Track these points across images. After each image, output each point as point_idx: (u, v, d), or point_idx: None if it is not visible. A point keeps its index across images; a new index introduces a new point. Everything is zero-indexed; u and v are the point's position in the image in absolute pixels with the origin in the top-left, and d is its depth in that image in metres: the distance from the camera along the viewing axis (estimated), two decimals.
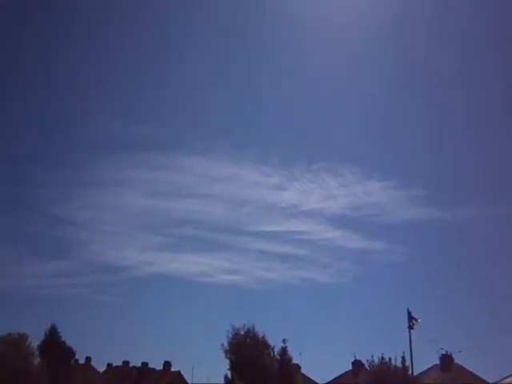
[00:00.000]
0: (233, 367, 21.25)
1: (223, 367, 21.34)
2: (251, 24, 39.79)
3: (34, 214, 35.97)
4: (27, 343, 20.87)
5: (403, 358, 17.81)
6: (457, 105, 39.30)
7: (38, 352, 21.31)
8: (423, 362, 20.22)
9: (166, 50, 40.51)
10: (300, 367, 23.67)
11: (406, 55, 37.57)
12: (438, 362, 21.29)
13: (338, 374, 23.28)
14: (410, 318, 16.32)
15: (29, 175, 36.53)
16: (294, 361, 21.85)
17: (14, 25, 38.76)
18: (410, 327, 16.18)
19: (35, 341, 21.35)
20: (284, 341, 21.11)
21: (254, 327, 21.65)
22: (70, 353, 22.66)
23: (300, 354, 22.82)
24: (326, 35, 38.60)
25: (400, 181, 36.81)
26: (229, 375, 21.20)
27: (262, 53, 39.47)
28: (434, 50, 37.38)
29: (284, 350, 20.91)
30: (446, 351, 21.21)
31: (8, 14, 36.31)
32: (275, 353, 20.91)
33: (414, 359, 16.67)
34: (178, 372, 28.20)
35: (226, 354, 21.14)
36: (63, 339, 22.56)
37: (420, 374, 19.47)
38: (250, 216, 37.73)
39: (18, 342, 20.57)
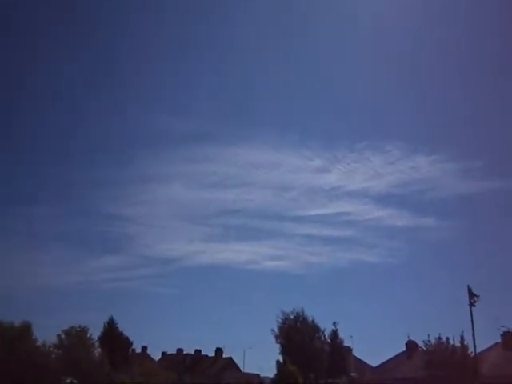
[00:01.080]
0: (284, 352, 21.80)
1: (274, 352, 22.43)
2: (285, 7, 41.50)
3: (90, 214, 39.13)
4: (88, 335, 21.87)
5: (462, 337, 17.51)
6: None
7: (98, 343, 22.41)
8: (484, 340, 19.75)
9: (201, 37, 42.96)
10: (351, 350, 23.58)
11: (450, 27, 39.73)
12: (499, 339, 20.41)
13: (391, 356, 23.22)
14: (471, 294, 16.51)
15: (81, 176, 39.73)
16: (345, 344, 22.61)
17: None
18: (472, 304, 16.41)
19: (96, 332, 22.73)
20: (334, 324, 21.94)
21: (303, 311, 22.32)
22: (128, 343, 23.64)
23: (351, 336, 23.05)
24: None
25: (450, 153, 36.72)
26: (280, 360, 21.42)
27: (298, 34, 39.90)
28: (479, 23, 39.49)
29: (335, 333, 21.78)
30: (508, 328, 20.27)
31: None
32: (326, 336, 22.20)
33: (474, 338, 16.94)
34: (230, 358, 28.91)
35: (276, 339, 22.21)
36: (121, 330, 23.58)
37: (480, 352, 18.34)
38: (294, 201, 38.67)
39: (80, 335, 21.49)
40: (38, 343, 21.02)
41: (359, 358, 24.61)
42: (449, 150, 38.20)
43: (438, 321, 28.12)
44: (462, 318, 16.77)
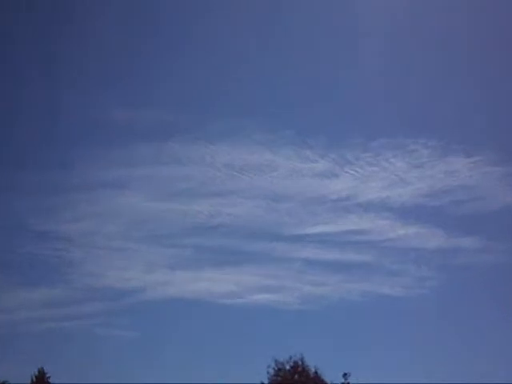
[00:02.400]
0: None
1: None
2: None
3: (13, 231, 31.62)
4: None
5: None
6: None
7: None
8: None
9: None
10: None
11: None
12: None
13: None
14: None
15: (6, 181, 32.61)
16: None
17: None
18: None
19: None
20: (345, 375, 19.34)
21: (303, 359, 19.63)
22: None
23: None
24: None
25: (496, 155, 31.20)
26: None
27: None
28: None
29: None
30: None
31: None
32: None
33: None
34: None
35: None
36: None
37: None
38: (291, 215, 32.14)
39: None
40: None
41: None
42: (494, 151, 32.14)
43: (484, 372, 22.42)
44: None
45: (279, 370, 19.72)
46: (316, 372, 19.69)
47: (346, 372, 19.53)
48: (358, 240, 31.05)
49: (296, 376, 19.60)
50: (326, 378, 19.66)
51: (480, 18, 31.68)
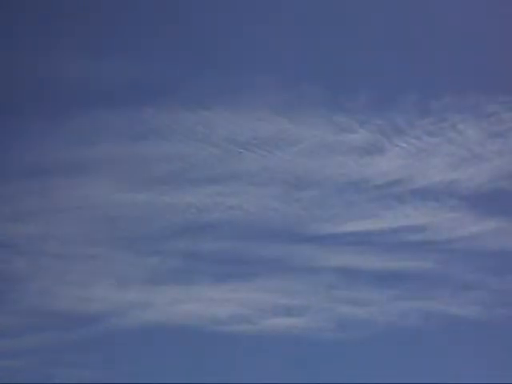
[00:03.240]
0: None
1: None
2: None
3: None
4: None
5: None
6: None
7: None
8: None
9: None
10: None
11: None
12: None
13: None
14: None
15: None
16: None
17: None
18: None
19: None
20: None
21: None
22: None
23: None
24: None
25: None
26: None
27: None
28: None
29: None
30: None
31: None
32: None
33: None
34: None
35: None
36: None
37: None
38: (317, 206, 26.34)
39: None
40: None
41: None
42: None
43: None
44: None
45: None
46: None
47: None
48: (414, 240, 24.31)
49: None
50: None
51: None
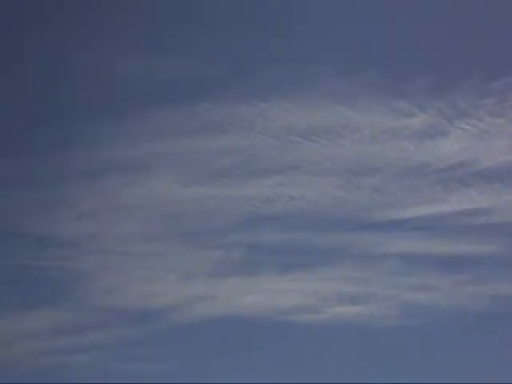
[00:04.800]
0: None
1: None
2: None
3: (3, 236, 25.61)
4: None
5: None
6: None
7: None
8: None
9: None
10: None
11: None
12: None
13: None
14: None
15: None
16: None
17: None
18: None
19: None
20: None
21: None
22: None
23: None
24: None
25: None
26: None
27: None
28: None
29: None
30: None
31: None
32: None
33: None
34: None
35: None
36: None
37: None
38: (378, 193, 26.02)
39: None
40: None
41: None
42: None
43: None
44: None
45: None
46: None
47: None
48: (479, 224, 23.89)
49: None
50: None
51: None
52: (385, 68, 24.87)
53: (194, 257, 23.08)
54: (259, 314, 22.23)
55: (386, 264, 21.92)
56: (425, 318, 20.66)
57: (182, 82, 24.47)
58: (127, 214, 24.15)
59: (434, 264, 22.20)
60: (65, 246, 22.90)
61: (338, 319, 21.17)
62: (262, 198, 23.95)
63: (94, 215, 23.58)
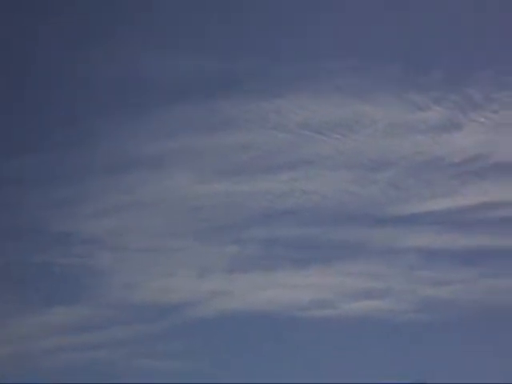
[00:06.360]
0: None
1: None
2: None
3: (24, 233, 24.99)
4: None
5: None
6: None
7: None
8: None
9: None
10: None
11: None
12: None
13: None
14: None
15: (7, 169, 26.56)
16: None
17: None
18: None
19: None
20: None
21: None
22: None
23: None
24: None
25: None
26: None
27: None
28: None
29: None
30: None
31: None
32: None
33: None
34: None
35: None
36: None
37: None
38: (396, 188, 24.99)
39: None
40: None
41: None
42: None
43: None
44: None
45: None
46: None
47: None
48: (497, 217, 23.01)
49: None
50: None
51: None
52: (399, 62, 24.15)
53: (212, 252, 22.66)
54: (276, 309, 21.67)
55: (403, 258, 21.24)
56: (444, 312, 19.91)
57: (198, 79, 24.14)
58: (145, 210, 23.73)
59: (451, 258, 21.42)
60: (84, 242, 22.54)
61: (356, 314, 20.60)
62: (278, 193, 23.41)
63: (113, 212, 23.26)
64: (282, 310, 21.03)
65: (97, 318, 21.02)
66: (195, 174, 23.60)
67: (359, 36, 24.08)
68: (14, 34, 25.59)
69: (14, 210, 23.57)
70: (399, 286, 20.80)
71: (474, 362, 18.29)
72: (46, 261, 22.15)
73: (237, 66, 24.34)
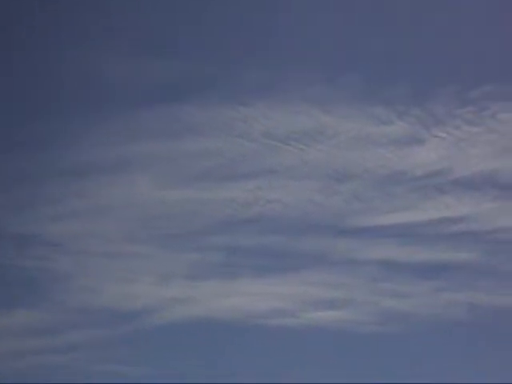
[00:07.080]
0: None
1: None
2: None
3: None
4: None
5: None
6: None
7: None
8: None
9: None
10: None
11: None
12: None
13: None
14: None
15: None
16: None
17: None
18: None
19: None
20: None
21: None
22: None
23: None
24: None
25: None
26: None
27: None
28: None
29: None
30: None
31: None
32: None
33: None
34: None
35: None
36: None
37: None
38: (356, 199, 25.14)
39: None
40: None
41: None
42: None
43: None
44: None
45: None
46: None
47: None
48: (456, 231, 23.30)
49: None
50: None
51: None
52: (364, 74, 24.03)
53: (173, 259, 22.27)
54: (237, 317, 21.40)
55: (364, 270, 21.13)
56: (403, 324, 19.82)
57: (162, 84, 23.73)
58: (106, 215, 23.23)
59: (412, 271, 21.38)
60: (43, 245, 21.98)
61: (317, 324, 20.46)
62: (240, 202, 23.11)
63: (73, 215, 22.79)
64: (243, 318, 20.75)
65: (55, 321, 20.55)
66: (157, 180, 23.21)
67: (327, 47, 23.97)
68: None
69: None
70: (360, 298, 20.67)
71: (431, 373, 18.36)
72: (3, 263, 21.75)
73: (203, 71, 24.10)
